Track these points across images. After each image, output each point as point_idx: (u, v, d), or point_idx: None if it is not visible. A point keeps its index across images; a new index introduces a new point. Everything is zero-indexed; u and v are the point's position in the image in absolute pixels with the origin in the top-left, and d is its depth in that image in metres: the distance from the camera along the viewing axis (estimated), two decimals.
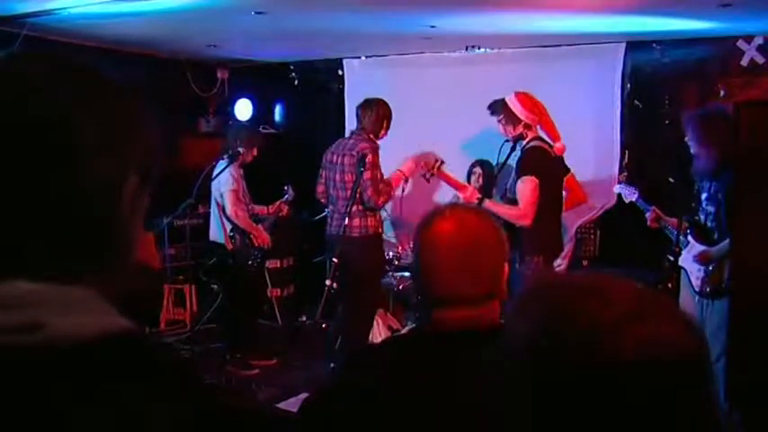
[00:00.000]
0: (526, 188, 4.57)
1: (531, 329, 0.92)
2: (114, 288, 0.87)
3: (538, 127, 4.81)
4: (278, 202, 6.24)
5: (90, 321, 0.81)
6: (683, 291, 4.61)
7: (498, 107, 4.84)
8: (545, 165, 4.68)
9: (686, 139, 4.56)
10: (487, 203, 4.66)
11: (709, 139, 4.34)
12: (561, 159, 4.89)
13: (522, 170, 4.63)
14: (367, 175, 5.08)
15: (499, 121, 4.82)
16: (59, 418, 0.75)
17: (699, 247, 4.51)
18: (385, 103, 5.43)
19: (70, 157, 0.82)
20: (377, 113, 5.35)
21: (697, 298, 4.49)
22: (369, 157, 5.10)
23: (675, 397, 0.86)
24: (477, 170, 6.45)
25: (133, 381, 0.79)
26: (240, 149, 5.91)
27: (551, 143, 4.80)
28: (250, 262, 5.97)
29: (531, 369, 0.90)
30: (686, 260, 4.59)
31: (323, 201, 5.65)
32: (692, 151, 4.53)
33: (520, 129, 4.73)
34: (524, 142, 4.75)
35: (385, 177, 5.32)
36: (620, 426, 0.86)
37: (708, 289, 4.41)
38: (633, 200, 5.00)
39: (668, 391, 0.86)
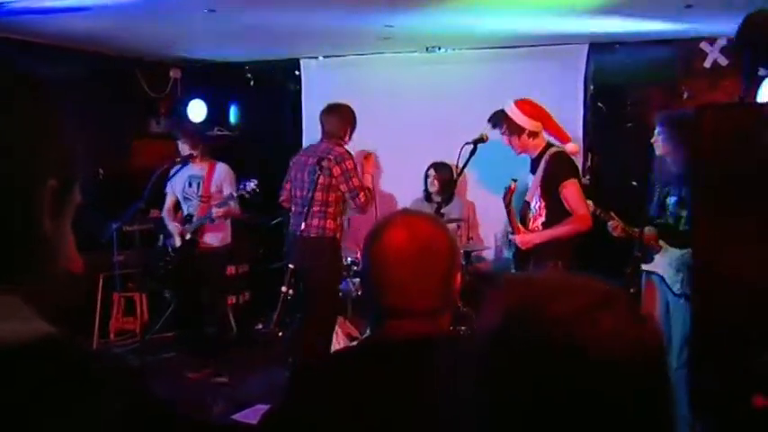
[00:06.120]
0: (574, 192, 4.52)
1: (497, 323, 0.94)
2: (38, 293, 0.87)
3: (544, 133, 4.74)
4: (225, 202, 5.97)
5: (8, 328, 0.80)
6: (654, 296, 4.65)
7: (499, 119, 4.67)
8: (576, 167, 4.67)
9: (652, 140, 4.59)
10: (544, 235, 4.54)
11: (684, 142, 4.34)
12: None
13: (560, 176, 4.52)
14: (355, 182, 5.20)
15: (503, 133, 4.67)
16: None
17: (675, 252, 4.53)
18: (348, 109, 5.46)
19: None
20: (339, 118, 5.40)
21: (673, 300, 4.52)
22: (348, 163, 5.19)
23: (643, 388, 0.91)
24: (432, 173, 6.54)
25: (51, 386, 0.79)
26: (194, 153, 5.92)
27: (562, 146, 4.72)
28: (161, 264, 5.97)
29: (497, 362, 0.92)
30: (659, 265, 4.61)
31: (285, 205, 5.68)
32: (657, 153, 4.56)
33: (525, 138, 4.63)
34: (537, 152, 4.64)
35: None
36: (589, 418, 0.88)
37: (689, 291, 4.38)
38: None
39: (637, 381, 0.90)
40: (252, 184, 5.71)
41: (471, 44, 6.80)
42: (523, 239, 4.59)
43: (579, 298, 0.93)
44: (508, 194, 4.65)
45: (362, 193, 5.22)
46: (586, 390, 0.88)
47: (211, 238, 6.02)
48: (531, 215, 4.68)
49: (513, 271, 5.10)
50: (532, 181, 4.65)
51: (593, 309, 0.92)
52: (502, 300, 0.98)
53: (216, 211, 5.80)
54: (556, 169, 4.54)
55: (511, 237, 4.72)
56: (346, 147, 5.39)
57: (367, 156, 5.57)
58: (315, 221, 5.21)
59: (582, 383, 0.88)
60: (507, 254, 5.80)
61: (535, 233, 4.60)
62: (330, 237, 5.27)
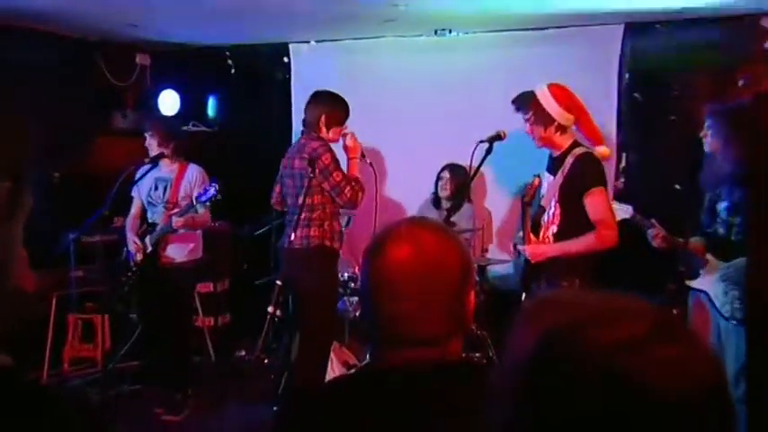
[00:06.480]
0: (600, 201, 4.34)
1: (535, 345, 0.97)
2: None
3: (574, 128, 4.57)
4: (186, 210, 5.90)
5: None
6: (704, 318, 4.60)
7: (525, 102, 4.52)
8: (605, 174, 4.48)
9: (701, 134, 4.54)
10: (559, 248, 4.40)
11: (739, 138, 4.30)
12: None
13: (586, 182, 4.36)
14: (337, 177, 5.16)
15: (527, 119, 4.52)
16: None
17: (724, 266, 4.49)
18: (328, 95, 5.43)
19: None
20: (315, 105, 5.37)
21: (724, 324, 4.47)
22: (324, 158, 5.12)
23: (700, 427, 0.91)
24: (445, 175, 6.52)
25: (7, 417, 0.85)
26: (164, 151, 5.87)
27: (590, 148, 4.54)
28: (123, 280, 5.93)
29: (533, 388, 0.95)
30: (707, 282, 4.57)
31: (277, 208, 5.75)
32: (706, 149, 4.51)
33: (551, 130, 4.46)
34: (561, 151, 4.49)
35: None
36: None
37: (741, 314, 4.37)
38: (627, 217, 4.83)
39: (691, 420, 0.90)
40: (212, 190, 5.62)
41: (486, 26, 6.74)
42: (534, 251, 4.44)
43: (628, 323, 0.95)
44: (530, 192, 4.54)
45: (348, 187, 5.18)
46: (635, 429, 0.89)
47: (175, 252, 5.92)
48: (543, 223, 4.54)
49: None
50: (551, 183, 4.51)
51: (642, 336, 0.93)
52: (536, 323, 1.00)
53: (176, 221, 5.72)
54: (581, 173, 4.38)
55: (520, 247, 4.58)
56: (329, 140, 5.34)
57: (345, 137, 5.46)
58: (298, 231, 5.17)
59: (629, 422, 0.89)
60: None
61: (548, 245, 4.46)
62: (316, 245, 5.21)
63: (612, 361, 0.90)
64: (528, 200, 4.53)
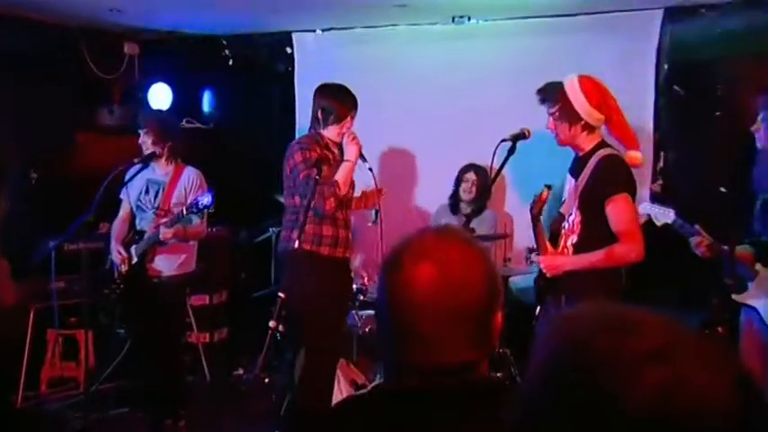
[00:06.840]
0: (624, 210, 4.17)
1: (550, 357, 1.05)
2: None
3: (603, 128, 4.41)
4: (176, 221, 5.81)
5: None
6: (754, 336, 4.62)
7: (551, 95, 4.38)
8: (633, 180, 4.31)
9: (753, 128, 4.52)
10: (577, 261, 4.26)
11: None
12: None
13: (610, 187, 4.20)
14: (303, 177, 5.07)
15: (551, 113, 4.38)
16: None
17: None
18: (328, 89, 5.37)
19: None
20: (314, 101, 5.33)
21: None
22: (296, 157, 5.10)
23: None
24: (471, 176, 6.56)
25: None
26: (157, 150, 5.77)
27: (619, 151, 4.39)
28: (107, 292, 5.86)
29: (547, 398, 1.02)
30: (755, 297, 4.60)
31: None
32: (759, 145, 4.50)
33: (577, 129, 4.32)
34: (585, 151, 4.35)
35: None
36: None
37: None
38: (669, 222, 4.78)
39: None
40: (205, 200, 5.45)
41: (508, 13, 6.72)
42: (550, 263, 4.30)
43: (644, 337, 0.99)
44: (538, 204, 4.41)
45: (316, 192, 5.03)
46: None
47: (164, 264, 5.79)
48: (563, 231, 4.41)
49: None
50: (572, 187, 4.37)
51: (643, 354, 0.97)
52: (552, 336, 1.08)
53: (164, 232, 5.57)
54: (605, 177, 4.22)
55: (534, 258, 4.48)
56: (327, 139, 5.29)
57: (343, 136, 5.37)
58: (281, 233, 5.25)
59: None
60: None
61: (565, 257, 4.33)
62: (294, 248, 4.99)
63: (627, 373, 0.95)
64: (537, 212, 4.39)
